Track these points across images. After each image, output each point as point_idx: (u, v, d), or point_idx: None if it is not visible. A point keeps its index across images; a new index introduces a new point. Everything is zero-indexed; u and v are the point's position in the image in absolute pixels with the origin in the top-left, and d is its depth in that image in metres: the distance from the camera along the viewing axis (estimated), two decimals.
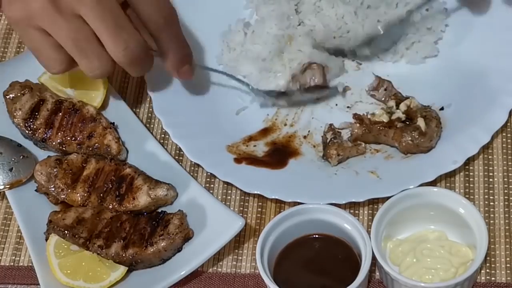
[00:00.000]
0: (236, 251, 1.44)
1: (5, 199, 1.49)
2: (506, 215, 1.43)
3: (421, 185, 1.40)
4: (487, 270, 1.39)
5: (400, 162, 1.46)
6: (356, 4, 1.56)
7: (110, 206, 1.44)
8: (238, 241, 1.45)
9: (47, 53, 1.37)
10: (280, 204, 1.47)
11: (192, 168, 1.52)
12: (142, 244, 1.38)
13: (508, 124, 1.51)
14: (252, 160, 1.48)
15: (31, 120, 1.50)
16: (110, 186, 1.44)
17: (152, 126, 1.58)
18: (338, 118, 1.52)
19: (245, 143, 1.52)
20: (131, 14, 1.37)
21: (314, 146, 1.51)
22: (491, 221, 1.43)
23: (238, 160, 1.48)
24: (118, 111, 1.55)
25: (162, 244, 1.38)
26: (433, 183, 1.42)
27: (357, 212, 1.46)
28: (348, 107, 1.55)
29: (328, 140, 1.47)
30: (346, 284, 1.29)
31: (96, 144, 1.49)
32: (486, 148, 1.48)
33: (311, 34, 1.55)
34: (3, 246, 1.48)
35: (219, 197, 1.49)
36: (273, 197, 1.43)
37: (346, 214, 1.36)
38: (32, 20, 1.33)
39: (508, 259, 1.40)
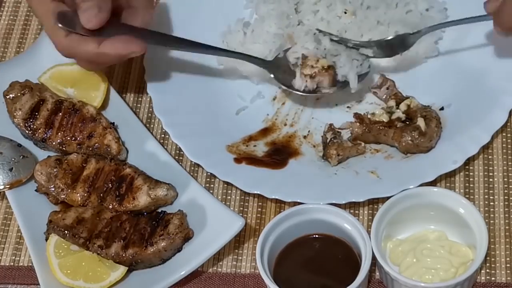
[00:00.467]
0: (236, 251, 1.44)
1: (5, 199, 1.49)
2: (506, 215, 1.43)
3: (421, 185, 1.40)
4: (487, 270, 1.39)
5: (400, 162, 1.46)
6: (355, 5, 1.56)
7: (110, 206, 1.44)
8: (238, 241, 1.45)
9: None
10: (280, 204, 1.47)
11: (192, 168, 1.52)
12: (142, 244, 1.38)
13: (508, 124, 1.51)
14: (252, 160, 1.48)
15: (31, 120, 1.50)
16: (110, 186, 1.44)
17: (152, 126, 1.58)
18: (338, 118, 1.52)
19: (245, 143, 1.52)
20: None
21: (314, 146, 1.51)
22: (491, 221, 1.43)
23: (238, 160, 1.48)
24: (118, 111, 1.55)
25: (162, 244, 1.38)
26: (433, 183, 1.42)
27: (357, 212, 1.46)
28: (348, 107, 1.55)
29: (328, 140, 1.47)
30: (346, 284, 1.29)
31: (96, 144, 1.49)
32: (486, 148, 1.48)
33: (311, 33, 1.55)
34: (3, 246, 1.48)
35: (219, 197, 1.49)
36: (273, 197, 1.43)
37: (346, 214, 1.36)
38: None
39: (508, 259, 1.40)
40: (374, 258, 1.32)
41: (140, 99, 1.61)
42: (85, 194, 1.45)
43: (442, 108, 1.50)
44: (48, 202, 1.47)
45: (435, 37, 1.57)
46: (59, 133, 1.50)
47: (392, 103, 1.50)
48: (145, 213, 1.44)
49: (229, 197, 1.49)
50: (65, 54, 1.44)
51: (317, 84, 1.50)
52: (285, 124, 1.54)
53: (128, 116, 1.54)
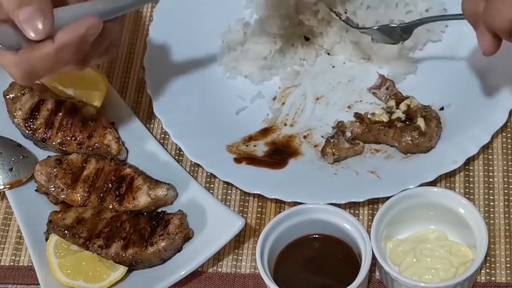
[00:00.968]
0: (236, 251, 1.44)
1: (5, 199, 1.49)
2: (506, 215, 1.43)
3: (421, 185, 1.40)
4: (487, 270, 1.39)
5: (400, 162, 1.46)
6: (355, 5, 1.56)
7: (110, 206, 1.44)
8: (238, 241, 1.45)
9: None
10: (280, 204, 1.47)
11: (192, 168, 1.52)
12: (142, 244, 1.39)
13: (508, 124, 1.51)
14: (252, 160, 1.48)
15: (31, 120, 1.50)
16: (110, 186, 1.44)
17: (152, 126, 1.58)
18: (338, 118, 1.51)
19: (245, 143, 1.52)
20: None
21: (314, 146, 1.51)
22: (491, 221, 1.43)
23: (238, 160, 1.48)
24: (118, 111, 1.55)
25: (162, 244, 1.38)
26: (433, 183, 1.42)
27: (357, 212, 1.46)
28: (348, 107, 1.55)
29: (328, 136, 1.47)
30: (346, 284, 1.29)
31: (96, 144, 1.49)
32: (486, 148, 1.48)
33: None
34: (3, 246, 1.48)
35: (219, 197, 1.49)
36: (273, 197, 1.43)
37: (346, 214, 1.36)
38: None
39: (508, 259, 1.40)
40: (374, 258, 1.32)
41: (140, 99, 1.61)
42: (85, 194, 1.45)
43: (442, 108, 1.50)
44: (48, 202, 1.47)
45: (435, 37, 1.58)
46: (59, 133, 1.50)
47: (392, 103, 1.50)
48: (145, 213, 1.44)
49: (229, 197, 1.49)
50: (26, 76, 1.20)
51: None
52: (285, 124, 1.54)
53: (128, 116, 1.54)
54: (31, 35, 1.16)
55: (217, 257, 1.44)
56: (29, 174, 1.48)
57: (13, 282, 1.45)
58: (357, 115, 1.49)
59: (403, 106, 1.49)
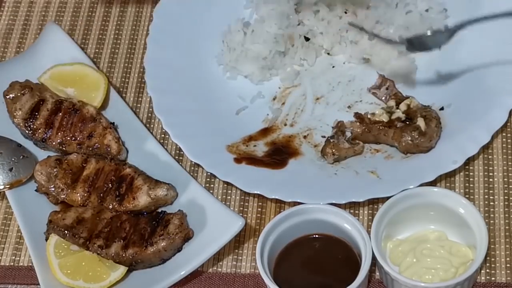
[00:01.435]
0: (236, 251, 1.45)
1: (5, 199, 1.49)
2: (506, 215, 1.43)
3: (421, 185, 1.40)
4: (487, 270, 1.39)
5: (400, 162, 1.46)
6: (355, 5, 1.56)
7: (110, 206, 1.44)
8: (238, 241, 1.45)
9: None
10: (280, 204, 1.47)
11: (192, 168, 1.52)
12: (142, 244, 1.38)
13: (508, 124, 1.51)
14: (252, 160, 1.48)
15: (31, 120, 1.50)
16: (110, 186, 1.44)
17: (152, 126, 1.58)
18: (338, 118, 1.51)
19: (245, 143, 1.52)
20: None
21: (314, 146, 1.51)
22: (491, 221, 1.43)
23: (238, 160, 1.48)
24: (118, 111, 1.55)
25: (162, 244, 1.38)
26: (433, 183, 1.42)
27: (357, 212, 1.46)
28: (348, 107, 1.55)
29: (328, 136, 1.47)
30: (346, 284, 1.29)
31: (96, 144, 1.49)
32: (486, 148, 1.48)
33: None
34: (3, 246, 1.48)
35: (219, 197, 1.49)
36: (273, 197, 1.43)
37: (346, 214, 1.36)
38: None
39: (508, 259, 1.40)
40: (374, 258, 1.32)
41: (140, 99, 1.61)
42: (85, 194, 1.45)
43: (442, 108, 1.50)
44: (48, 202, 1.47)
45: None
46: (59, 133, 1.50)
47: (392, 103, 1.50)
48: (145, 213, 1.44)
49: (229, 197, 1.49)
50: None
51: None
52: (285, 124, 1.54)
53: (128, 116, 1.54)
54: None
55: (217, 257, 1.44)
56: (29, 174, 1.48)
57: (13, 282, 1.45)
58: (357, 115, 1.49)
59: (403, 106, 1.49)
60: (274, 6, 1.59)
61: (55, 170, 1.46)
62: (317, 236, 1.39)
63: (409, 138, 1.44)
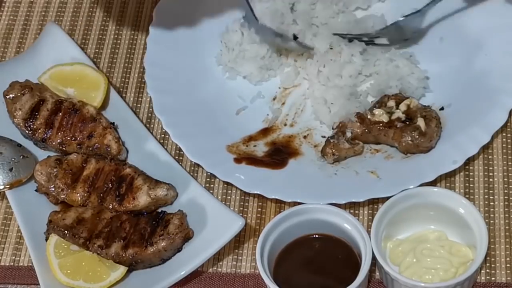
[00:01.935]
0: (236, 251, 1.45)
1: (5, 199, 1.49)
2: (506, 215, 1.43)
3: (421, 185, 1.40)
4: (487, 270, 1.39)
5: (400, 162, 1.46)
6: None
7: (110, 206, 1.44)
8: (238, 241, 1.45)
9: None
10: (280, 204, 1.47)
11: (192, 168, 1.52)
12: (142, 244, 1.39)
13: (508, 124, 1.51)
14: (252, 160, 1.48)
15: (31, 120, 1.50)
16: (110, 186, 1.44)
17: (152, 126, 1.58)
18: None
19: (245, 143, 1.52)
20: None
21: (314, 146, 1.51)
22: (491, 221, 1.43)
23: (238, 160, 1.48)
24: (118, 111, 1.55)
25: (162, 244, 1.38)
26: (433, 183, 1.42)
27: (357, 212, 1.46)
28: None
29: (328, 136, 1.47)
30: (346, 284, 1.29)
31: (96, 144, 1.49)
32: (486, 148, 1.48)
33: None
34: (3, 246, 1.48)
35: (219, 197, 1.49)
36: (273, 197, 1.43)
37: (346, 214, 1.36)
38: None
39: (508, 259, 1.40)
40: (374, 258, 1.32)
41: (140, 99, 1.61)
42: (85, 194, 1.45)
43: (442, 108, 1.50)
44: (48, 202, 1.47)
45: (438, 36, 1.57)
46: (59, 133, 1.50)
47: (392, 103, 1.50)
48: (145, 213, 1.44)
49: (229, 197, 1.49)
50: None
51: None
52: (285, 124, 1.54)
53: (128, 116, 1.54)
54: None
55: (217, 257, 1.44)
56: (29, 174, 1.48)
57: (13, 282, 1.45)
58: (358, 115, 1.49)
59: (403, 106, 1.49)
60: (268, 4, 1.58)
61: (55, 170, 1.46)
62: (317, 236, 1.39)
63: (409, 138, 1.44)
